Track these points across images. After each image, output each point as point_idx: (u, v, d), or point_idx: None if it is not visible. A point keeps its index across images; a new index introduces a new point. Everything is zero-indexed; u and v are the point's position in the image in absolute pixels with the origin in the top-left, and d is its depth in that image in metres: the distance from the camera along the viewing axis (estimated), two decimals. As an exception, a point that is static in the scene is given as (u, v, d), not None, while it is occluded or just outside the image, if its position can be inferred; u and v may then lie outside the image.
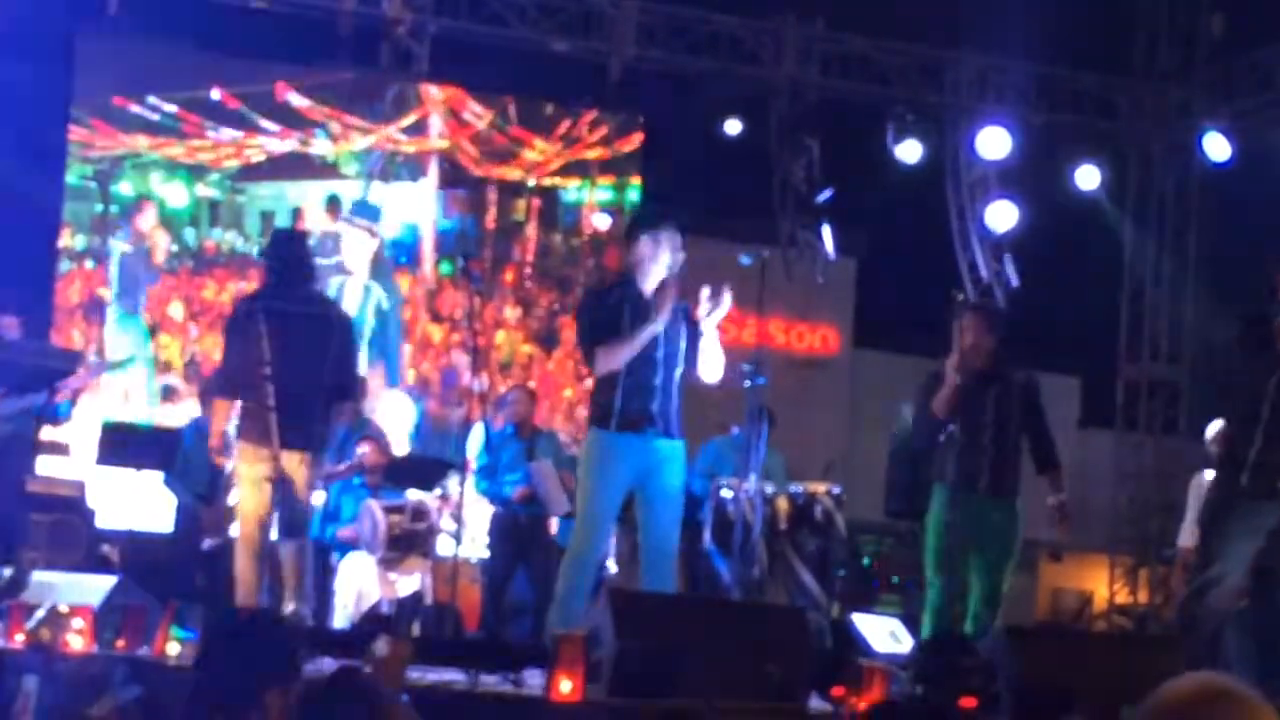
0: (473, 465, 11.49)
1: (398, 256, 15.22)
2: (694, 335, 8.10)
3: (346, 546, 11.42)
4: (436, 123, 15.27)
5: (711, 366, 8.13)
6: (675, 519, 8.12)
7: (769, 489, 11.38)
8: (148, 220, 14.62)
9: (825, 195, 15.54)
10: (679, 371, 8.07)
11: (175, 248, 14.71)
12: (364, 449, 11.58)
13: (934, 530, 9.11)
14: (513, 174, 15.51)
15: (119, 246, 14.51)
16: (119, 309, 14.42)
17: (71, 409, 10.82)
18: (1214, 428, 10.60)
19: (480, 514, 12.36)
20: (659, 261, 8.07)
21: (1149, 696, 2.91)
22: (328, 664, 6.71)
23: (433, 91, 15.25)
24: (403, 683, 4.99)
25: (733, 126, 15.47)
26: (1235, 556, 8.48)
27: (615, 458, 7.99)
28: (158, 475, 12.17)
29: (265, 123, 14.76)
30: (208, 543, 12.04)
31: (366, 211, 15.00)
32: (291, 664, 4.02)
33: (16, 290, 11.61)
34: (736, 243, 11.34)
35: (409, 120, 15.17)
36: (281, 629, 4.14)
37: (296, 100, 14.84)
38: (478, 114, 15.37)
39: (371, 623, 10.54)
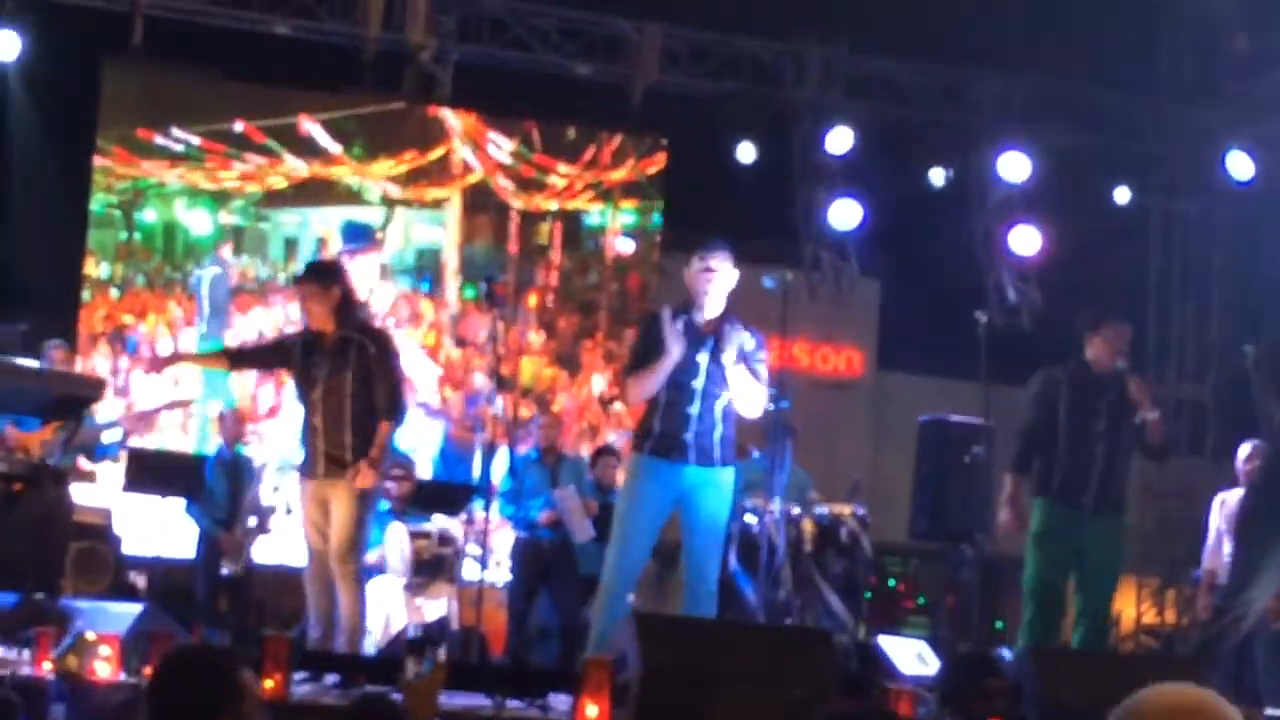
0: (497, 490, 11.51)
1: (420, 281, 15.25)
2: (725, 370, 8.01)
3: (372, 571, 11.43)
4: (464, 153, 15.28)
5: (743, 402, 8.03)
6: (711, 549, 8.00)
7: (794, 510, 11.36)
8: (227, 250, 14.73)
9: (848, 217, 15.55)
10: (721, 401, 7.98)
11: (234, 281, 14.82)
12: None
13: (1032, 547, 8.80)
14: (548, 204, 15.53)
15: (210, 273, 14.62)
16: (207, 334, 14.50)
17: (120, 448, 10.92)
18: (1246, 448, 10.57)
19: (504, 538, 12.38)
20: (696, 287, 8.03)
21: (1124, 702, 2.91)
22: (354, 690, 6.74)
23: (452, 122, 15.26)
24: (435, 708, 4.98)
25: (745, 153, 15.50)
26: (1269, 575, 8.43)
27: (646, 481, 7.98)
28: (180, 502, 12.23)
29: (289, 155, 14.80)
30: (228, 569, 12.09)
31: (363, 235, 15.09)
32: (233, 689, 4.02)
33: (42, 319, 11.67)
34: (760, 265, 11.36)
35: (436, 154, 15.19)
36: (219, 654, 4.14)
37: (319, 135, 14.87)
38: (500, 145, 15.38)
39: (407, 647, 10.53)
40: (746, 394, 7.98)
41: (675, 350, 7.85)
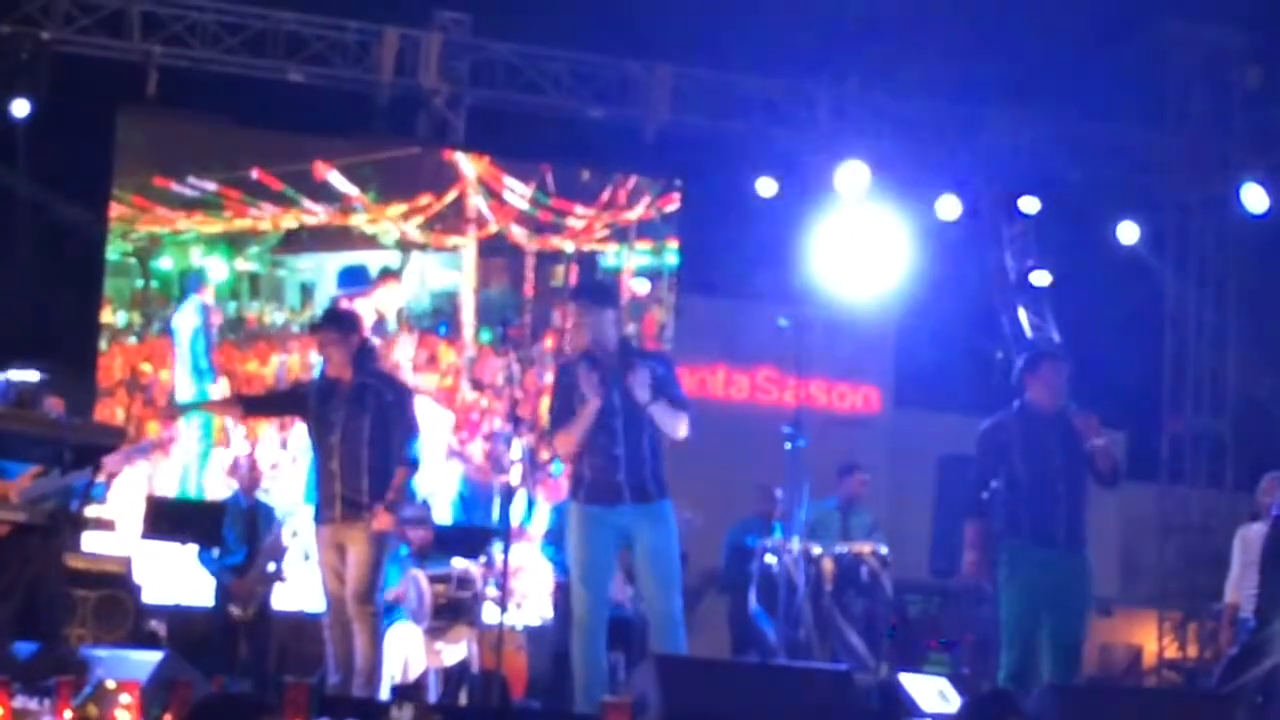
0: (531, 533, 11.51)
1: (437, 325, 15.26)
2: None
3: (391, 613, 11.40)
4: (478, 200, 15.30)
5: (669, 428, 8.03)
6: (665, 577, 8.00)
7: (815, 550, 11.35)
8: (210, 294, 14.75)
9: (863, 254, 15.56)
10: (646, 435, 8.00)
11: (219, 322, 14.80)
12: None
13: (1007, 592, 8.70)
14: (563, 245, 15.54)
15: (190, 322, 14.62)
16: (194, 382, 14.50)
17: (106, 490, 10.88)
18: (1265, 480, 10.56)
19: (540, 579, 12.38)
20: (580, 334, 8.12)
21: None
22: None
23: (466, 167, 15.29)
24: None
25: (760, 191, 15.51)
26: None
27: (589, 528, 8.00)
28: (195, 549, 12.24)
29: (306, 201, 14.84)
30: (236, 612, 12.06)
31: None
32: None
33: (59, 367, 11.70)
34: (774, 303, 11.37)
35: (450, 197, 15.21)
36: (244, 703, 4.16)
37: (335, 179, 14.91)
38: (515, 189, 15.40)
39: (393, 694, 10.51)
40: (669, 424, 8.01)
41: (594, 400, 7.90)
